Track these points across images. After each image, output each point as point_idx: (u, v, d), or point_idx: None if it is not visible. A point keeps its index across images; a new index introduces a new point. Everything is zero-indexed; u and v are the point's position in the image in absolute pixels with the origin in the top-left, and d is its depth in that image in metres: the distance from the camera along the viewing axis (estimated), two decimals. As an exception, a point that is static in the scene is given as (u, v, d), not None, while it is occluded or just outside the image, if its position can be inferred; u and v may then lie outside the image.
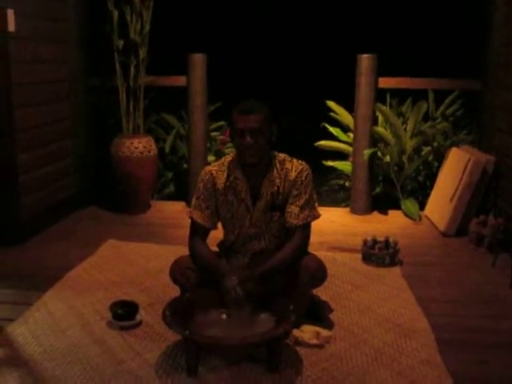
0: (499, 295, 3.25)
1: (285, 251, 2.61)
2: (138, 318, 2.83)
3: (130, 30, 4.57)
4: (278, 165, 2.67)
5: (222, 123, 5.65)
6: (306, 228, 2.68)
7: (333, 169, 5.37)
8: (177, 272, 2.71)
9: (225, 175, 2.70)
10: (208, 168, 2.76)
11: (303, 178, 2.65)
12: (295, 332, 2.59)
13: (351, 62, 4.68)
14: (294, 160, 2.71)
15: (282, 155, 2.72)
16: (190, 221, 2.77)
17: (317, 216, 2.71)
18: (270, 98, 2.79)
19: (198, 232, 2.73)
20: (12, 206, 3.93)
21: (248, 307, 2.44)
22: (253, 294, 2.45)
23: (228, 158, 2.75)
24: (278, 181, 2.65)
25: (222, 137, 5.49)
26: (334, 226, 4.45)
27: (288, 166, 2.68)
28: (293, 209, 2.64)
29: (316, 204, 2.72)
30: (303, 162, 2.72)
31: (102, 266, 3.58)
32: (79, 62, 4.70)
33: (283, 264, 2.59)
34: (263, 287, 2.50)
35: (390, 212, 4.81)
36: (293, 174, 2.65)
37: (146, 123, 5.01)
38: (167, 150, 5.34)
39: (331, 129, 5.29)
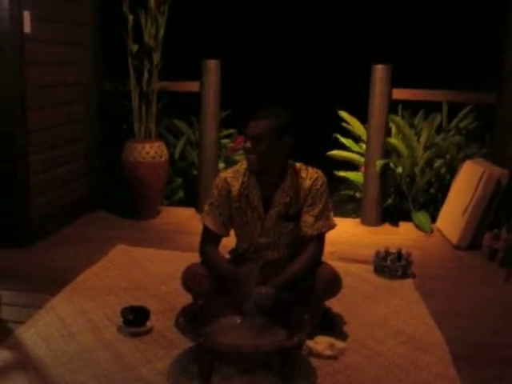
0: (513, 310, 3.22)
1: (299, 262, 2.57)
2: (149, 324, 2.79)
3: (144, 35, 4.56)
4: (293, 174, 2.64)
5: (232, 131, 5.63)
6: (320, 238, 2.64)
7: (343, 179, 5.34)
8: (189, 279, 2.68)
9: (239, 182, 2.66)
10: (223, 174, 2.73)
11: (318, 187, 2.61)
12: (309, 343, 2.56)
13: (365, 72, 4.66)
14: (310, 168, 2.67)
15: (298, 164, 2.68)
16: (201, 228, 2.74)
17: (332, 226, 2.67)
18: (281, 106, 2.74)
19: (210, 238, 2.69)
20: (22, 207, 3.91)
21: (262, 316, 2.41)
22: (267, 308, 2.41)
23: (243, 165, 2.70)
24: (291, 190, 2.61)
25: (232, 144, 5.47)
26: (345, 236, 4.40)
27: (303, 174, 2.64)
28: (307, 218, 2.60)
29: (331, 214, 2.68)
30: (318, 171, 2.68)
31: (112, 271, 3.55)
32: (93, 65, 4.70)
33: (297, 276, 2.55)
34: (277, 298, 2.46)
35: (401, 224, 4.77)
36: (307, 183, 2.61)
37: (157, 128, 4.99)
38: (177, 156, 5.32)
39: (343, 139, 5.26)
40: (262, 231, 2.67)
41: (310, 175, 2.64)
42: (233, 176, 2.69)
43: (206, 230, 2.70)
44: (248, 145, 2.53)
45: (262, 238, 2.68)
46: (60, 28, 4.24)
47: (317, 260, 2.65)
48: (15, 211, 3.89)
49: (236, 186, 2.66)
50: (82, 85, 4.58)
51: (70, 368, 2.43)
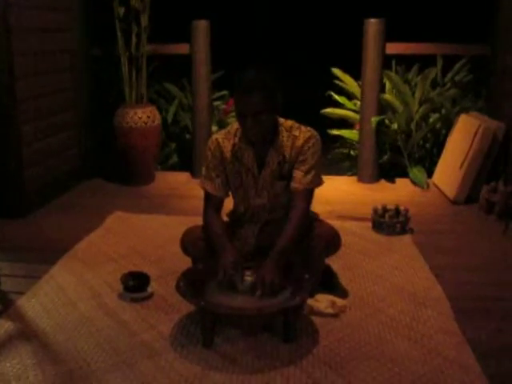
0: (511, 263, 3.21)
1: (292, 225, 2.49)
2: (150, 289, 2.79)
3: (130, -3, 4.46)
4: (284, 132, 2.59)
5: (224, 92, 5.56)
6: (308, 194, 2.58)
7: (336, 138, 5.31)
8: (188, 243, 2.68)
9: (231, 143, 2.62)
10: (214, 136, 2.69)
11: (310, 145, 2.56)
12: (310, 301, 2.56)
13: (357, 27, 4.58)
14: (302, 127, 2.62)
15: (289, 122, 2.62)
16: (196, 191, 2.73)
17: (320, 183, 2.61)
18: (273, 65, 2.69)
19: (212, 202, 2.67)
20: (16, 178, 3.87)
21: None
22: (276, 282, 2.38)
23: (234, 126, 2.65)
24: (284, 149, 2.57)
25: (224, 106, 5.42)
26: (341, 194, 4.40)
27: (295, 132, 2.59)
28: (297, 173, 2.55)
29: (320, 172, 2.61)
30: (311, 129, 2.62)
31: (110, 238, 3.54)
32: (81, 31, 4.59)
33: (294, 239, 2.49)
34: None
35: (398, 180, 4.77)
36: (300, 142, 2.56)
37: (148, 93, 4.92)
38: (169, 120, 5.26)
39: (337, 97, 5.21)
40: (256, 192, 2.64)
41: (303, 134, 2.58)
42: (224, 137, 2.64)
43: (206, 194, 2.68)
44: (251, 122, 2.42)
45: (258, 200, 2.65)
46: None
47: (307, 217, 2.59)
48: (9, 182, 3.86)
49: (228, 148, 2.62)
50: (69, 51, 4.49)
51: (72, 336, 2.44)
